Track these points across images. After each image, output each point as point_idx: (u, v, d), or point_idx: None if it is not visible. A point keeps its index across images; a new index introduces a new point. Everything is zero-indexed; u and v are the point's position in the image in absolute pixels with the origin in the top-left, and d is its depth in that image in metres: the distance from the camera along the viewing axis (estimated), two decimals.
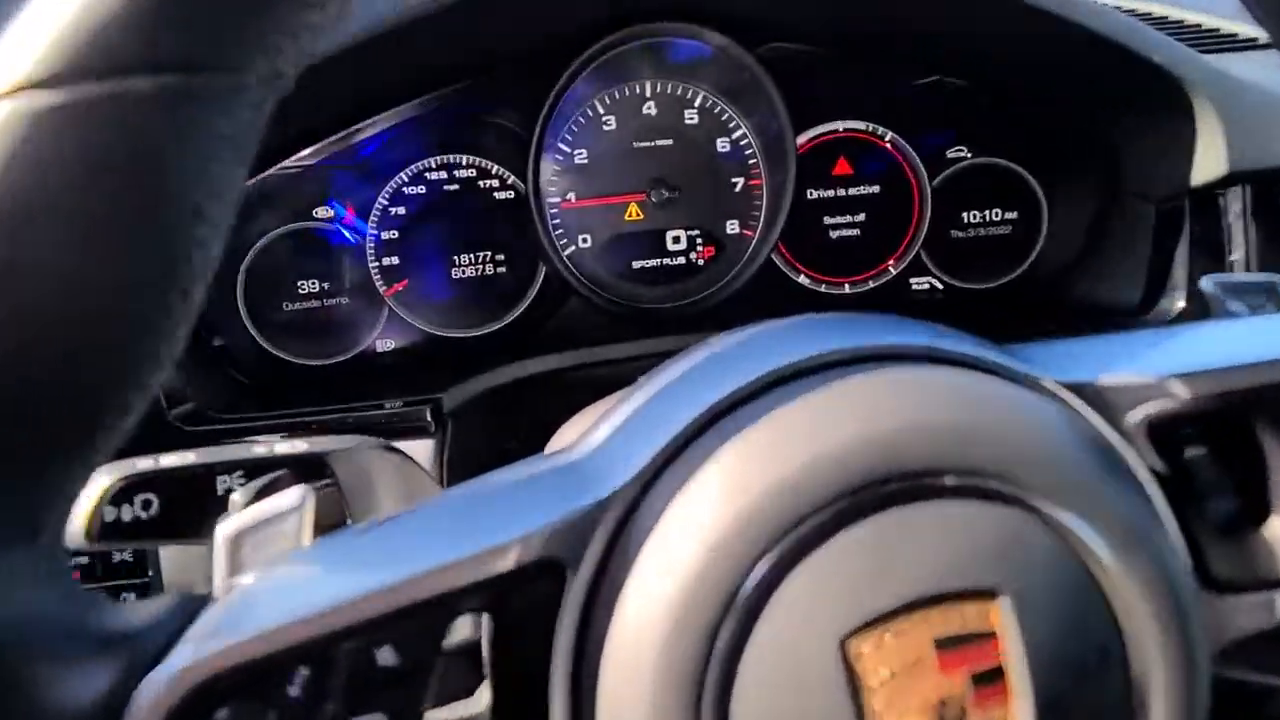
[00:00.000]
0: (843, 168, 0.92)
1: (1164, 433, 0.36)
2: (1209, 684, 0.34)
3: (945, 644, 0.31)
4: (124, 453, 0.70)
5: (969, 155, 0.92)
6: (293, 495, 0.43)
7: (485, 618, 0.35)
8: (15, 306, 0.27)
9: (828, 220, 0.94)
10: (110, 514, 0.48)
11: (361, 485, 0.54)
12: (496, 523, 0.34)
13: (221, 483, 0.51)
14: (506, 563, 0.33)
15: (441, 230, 0.88)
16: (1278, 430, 0.36)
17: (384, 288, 0.87)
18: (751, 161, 0.91)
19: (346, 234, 0.86)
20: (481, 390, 0.79)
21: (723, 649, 0.31)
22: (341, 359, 0.87)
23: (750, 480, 0.32)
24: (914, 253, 0.94)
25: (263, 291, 0.84)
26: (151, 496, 0.49)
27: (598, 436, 0.38)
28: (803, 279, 0.94)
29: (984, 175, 0.92)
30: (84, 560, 0.70)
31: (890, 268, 0.94)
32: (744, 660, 0.31)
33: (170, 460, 0.49)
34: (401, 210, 0.87)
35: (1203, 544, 0.36)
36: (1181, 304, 0.78)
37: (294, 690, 0.31)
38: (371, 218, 0.86)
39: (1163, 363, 0.36)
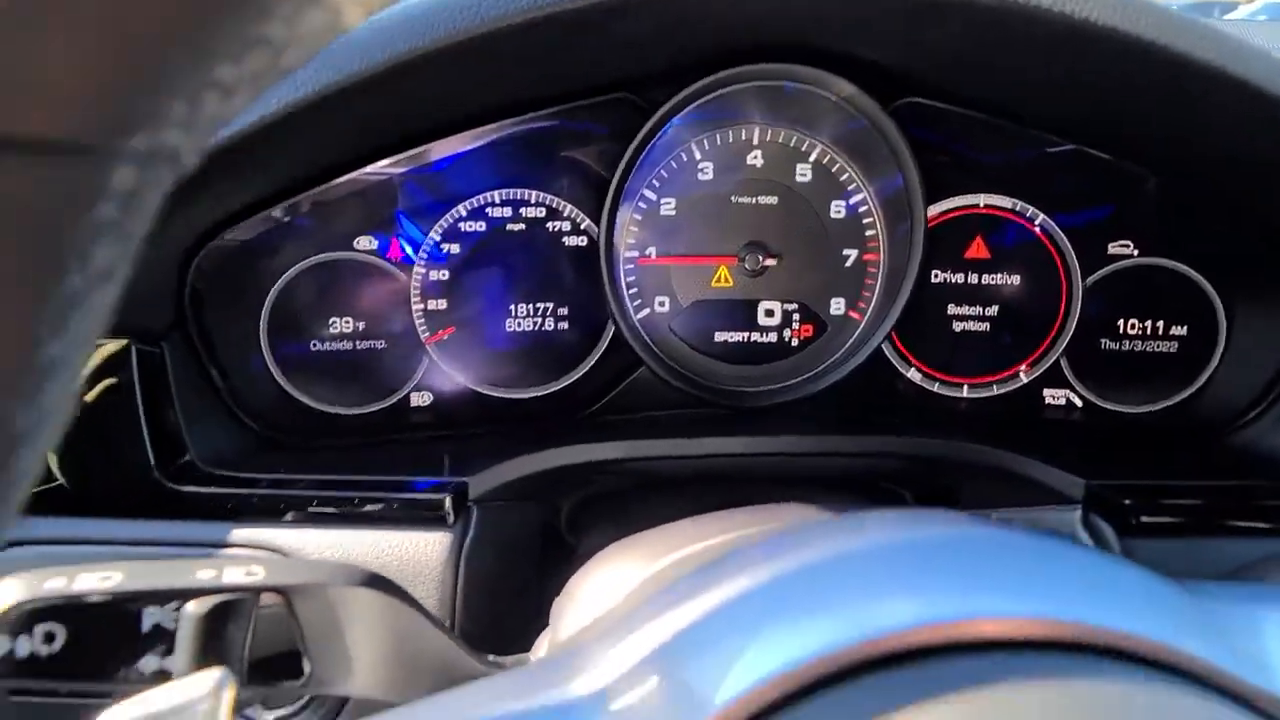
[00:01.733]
0: (978, 250, 0.77)
1: None
2: None
3: None
4: (88, 510, 0.59)
5: (1135, 253, 0.76)
6: (205, 682, 0.31)
7: None
8: None
9: (952, 310, 0.79)
10: (1, 645, 0.37)
11: (324, 625, 0.43)
12: None
13: (149, 616, 0.39)
14: None
15: (499, 274, 0.77)
16: None
17: (426, 334, 0.76)
18: (870, 232, 0.77)
19: (390, 269, 0.75)
20: (515, 477, 0.67)
21: None
22: (370, 410, 0.76)
23: None
24: (1053, 359, 0.78)
25: (289, 327, 0.73)
26: (56, 628, 0.38)
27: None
28: (913, 373, 0.80)
29: (1151, 279, 0.76)
30: None
31: (1021, 373, 0.79)
32: None
33: (87, 582, 0.38)
34: (455, 248, 0.75)
35: None
36: None
37: None
38: (420, 253, 0.75)
39: None
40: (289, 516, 0.63)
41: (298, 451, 0.73)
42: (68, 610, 0.38)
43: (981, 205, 0.77)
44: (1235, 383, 0.75)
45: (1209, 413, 0.76)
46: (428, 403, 0.77)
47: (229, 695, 0.32)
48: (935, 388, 0.80)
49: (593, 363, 0.78)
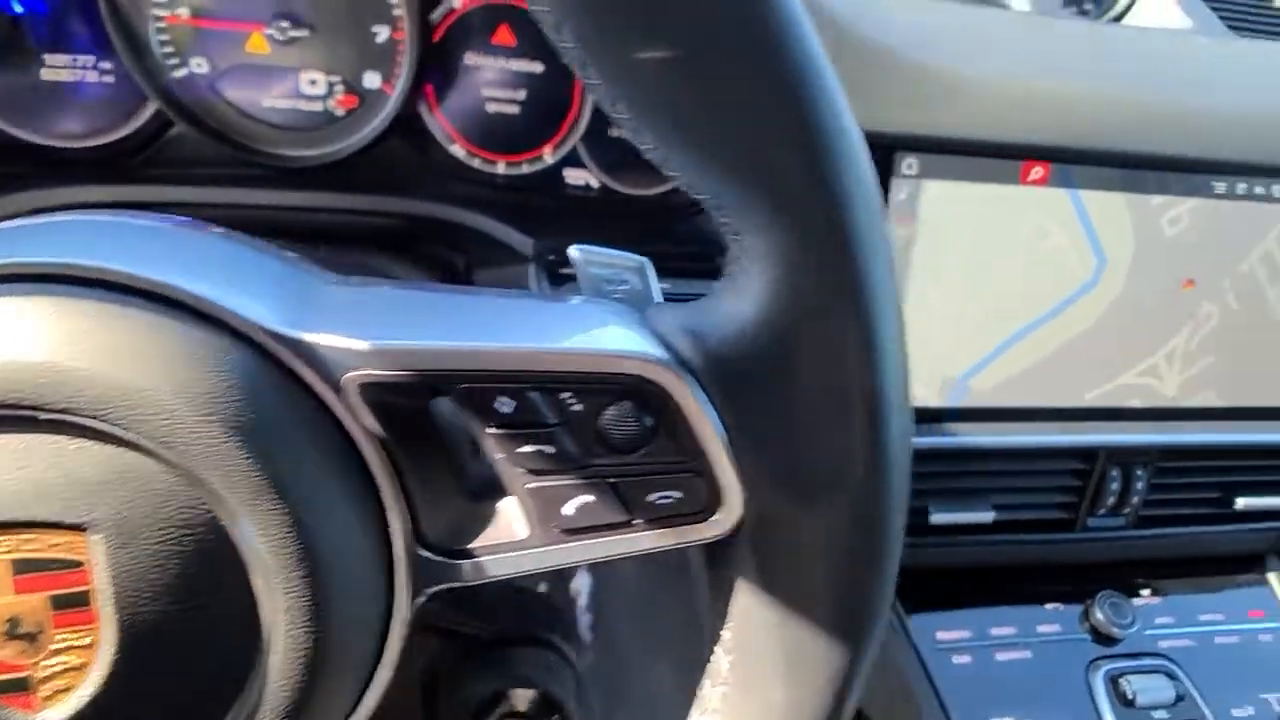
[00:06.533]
0: (504, 36, 0.87)
1: (381, 397, 0.36)
2: (368, 630, 0.37)
3: (24, 567, 0.31)
4: None
5: None
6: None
7: None
8: None
9: (486, 92, 0.89)
10: None
11: None
12: None
13: None
14: None
15: (26, 21, 0.79)
16: (471, 413, 0.36)
17: None
18: (397, 12, 0.85)
19: None
20: (23, 209, 0.73)
21: None
22: None
23: None
24: (571, 145, 0.91)
25: None
26: None
27: None
28: (456, 149, 0.91)
29: None
30: None
31: (546, 155, 0.92)
32: None
33: None
34: None
35: (418, 507, 0.37)
36: None
37: None
38: None
39: (395, 330, 0.36)
40: None
41: None
42: None
43: None
44: None
45: (684, 197, 0.93)
46: None
47: None
48: (476, 164, 0.92)
49: (144, 120, 0.84)
